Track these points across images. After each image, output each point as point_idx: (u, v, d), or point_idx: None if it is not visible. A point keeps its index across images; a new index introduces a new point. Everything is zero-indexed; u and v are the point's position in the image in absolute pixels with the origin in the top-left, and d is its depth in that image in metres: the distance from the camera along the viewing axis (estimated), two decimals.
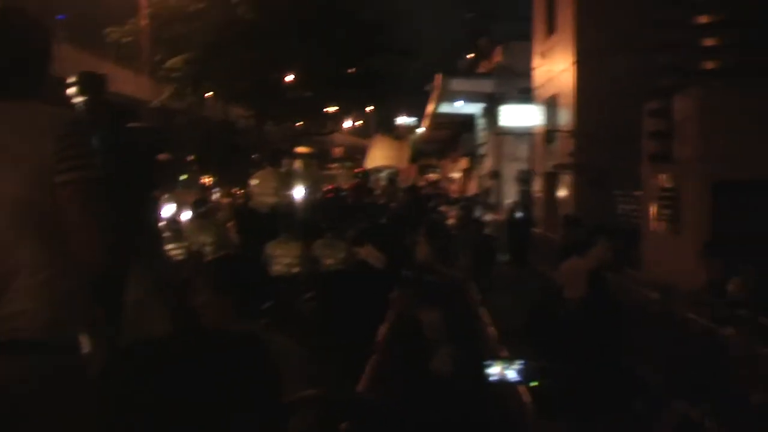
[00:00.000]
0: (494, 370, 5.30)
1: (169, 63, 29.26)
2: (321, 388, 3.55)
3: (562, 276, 11.16)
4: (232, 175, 34.83)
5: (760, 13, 13.84)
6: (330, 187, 33.75)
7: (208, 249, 12.99)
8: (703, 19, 14.14)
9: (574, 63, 23.36)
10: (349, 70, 32.39)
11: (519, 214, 27.70)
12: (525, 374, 5.66)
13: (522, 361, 5.41)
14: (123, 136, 4.97)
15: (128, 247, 4.10)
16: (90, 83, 5.00)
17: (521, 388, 6.75)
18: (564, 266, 11.34)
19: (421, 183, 55.14)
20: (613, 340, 8.62)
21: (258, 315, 3.51)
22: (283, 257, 11.33)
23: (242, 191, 26.11)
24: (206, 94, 32.87)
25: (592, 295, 8.86)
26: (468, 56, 56.36)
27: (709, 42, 14.12)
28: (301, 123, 37.67)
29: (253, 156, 30.61)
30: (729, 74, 13.86)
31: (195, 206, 15.24)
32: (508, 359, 5.73)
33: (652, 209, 15.19)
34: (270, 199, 13.47)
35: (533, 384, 6.89)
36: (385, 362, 5.40)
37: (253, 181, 14.05)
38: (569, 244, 12.91)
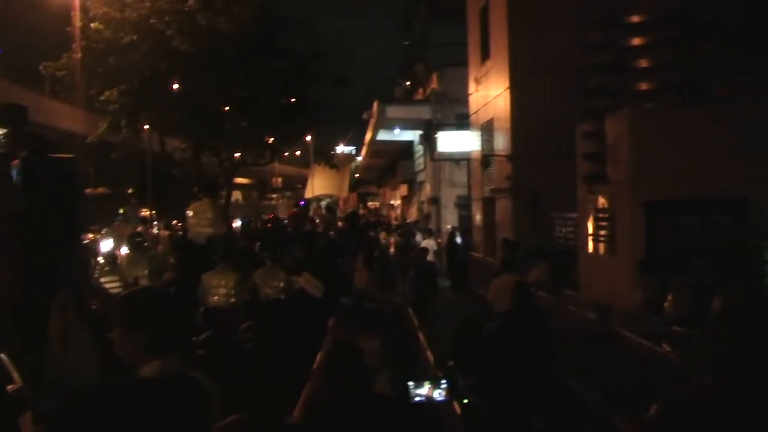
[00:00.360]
0: (422, 391, 5.27)
1: (105, 95, 28.91)
2: (245, 414, 3.51)
3: (492, 292, 11.46)
4: (171, 207, 34.53)
5: (691, 35, 14.11)
6: (270, 216, 33.56)
7: (143, 282, 12.89)
8: (636, 41, 14.36)
9: (508, 88, 23.55)
10: (286, 100, 32.30)
11: (458, 239, 27.86)
12: (453, 393, 5.65)
13: (446, 380, 5.39)
14: (46, 167, 4.87)
15: (47, 280, 4.02)
16: (10, 115, 4.89)
17: (455, 407, 6.76)
18: (494, 283, 11.72)
19: (363, 211, 55.20)
20: (541, 347, 8.73)
21: (174, 348, 3.44)
22: (220, 288, 11.28)
23: (181, 223, 25.92)
24: (143, 126, 32.57)
25: (518, 306, 9.06)
26: (405, 83, 56.70)
27: (641, 63, 14.34)
28: (239, 154, 37.41)
29: (192, 188, 30.35)
30: (659, 96, 14.08)
31: (130, 240, 15.11)
32: (436, 379, 5.71)
33: (589, 230, 15.31)
34: (206, 230, 13.42)
35: (464, 401, 6.89)
36: (321, 389, 5.34)
37: (189, 213, 14.01)
38: (505, 264, 13.15)
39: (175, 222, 32.93)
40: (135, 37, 28.42)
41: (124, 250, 16.96)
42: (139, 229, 24.60)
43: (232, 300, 11.11)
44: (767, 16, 13.46)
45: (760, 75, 13.09)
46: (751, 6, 14.00)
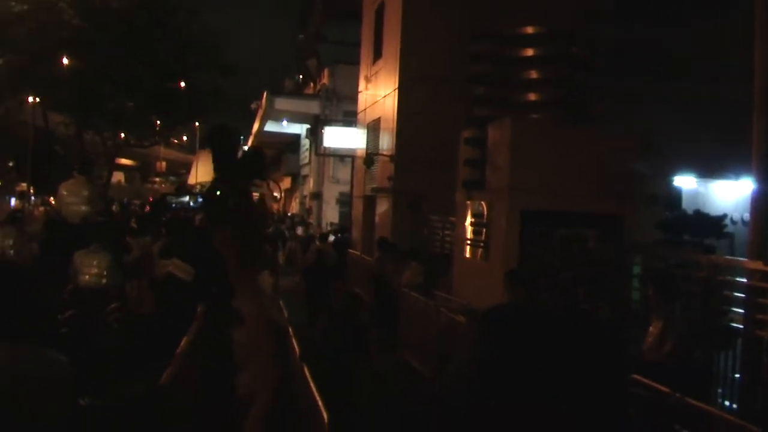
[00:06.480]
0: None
1: None
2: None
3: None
4: (49, 183, 33.74)
5: (574, 53, 14.46)
6: (150, 200, 33.10)
7: (10, 252, 12.69)
8: (522, 54, 14.60)
9: (396, 89, 23.69)
10: (172, 84, 31.87)
11: (338, 235, 27.94)
12: None
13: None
14: None
15: None
16: None
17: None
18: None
19: None
20: None
21: (23, 333, 3.30)
22: (92, 267, 11.09)
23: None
24: (26, 99, 31.70)
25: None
26: (297, 77, 56.52)
27: (524, 76, 14.58)
28: (124, 134, 36.70)
29: (73, 166, 29.74)
30: (541, 109, 14.35)
31: (10, 215, 14.87)
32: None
33: (465, 235, 15.48)
34: (82, 208, 13.17)
35: None
36: (182, 374, 5.31)
37: (62, 191, 13.68)
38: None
39: (51, 199, 32.20)
40: (26, 7, 27.67)
41: None
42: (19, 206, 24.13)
43: (103, 281, 10.96)
44: (642, 44, 13.87)
45: (635, 98, 13.48)
46: (629, 32, 14.40)
